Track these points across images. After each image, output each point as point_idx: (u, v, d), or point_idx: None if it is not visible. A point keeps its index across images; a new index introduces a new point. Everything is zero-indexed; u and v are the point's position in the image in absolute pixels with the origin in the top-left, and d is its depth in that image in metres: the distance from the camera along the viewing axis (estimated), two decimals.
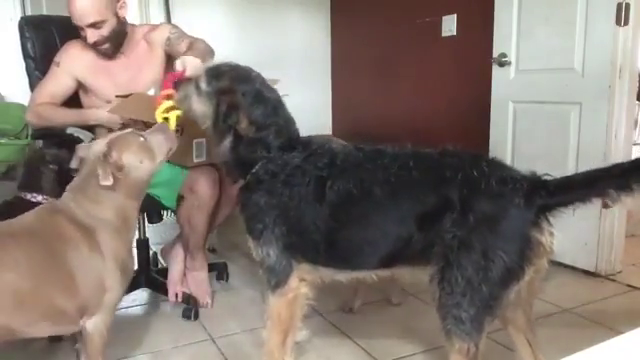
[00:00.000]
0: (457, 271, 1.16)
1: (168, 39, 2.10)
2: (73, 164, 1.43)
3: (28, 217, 1.33)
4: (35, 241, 1.26)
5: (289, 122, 1.41)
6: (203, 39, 2.09)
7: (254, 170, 1.36)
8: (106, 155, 1.32)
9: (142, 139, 1.40)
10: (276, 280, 1.39)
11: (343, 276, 1.49)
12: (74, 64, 2.04)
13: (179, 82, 1.48)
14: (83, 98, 2.12)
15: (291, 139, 1.38)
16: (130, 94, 1.85)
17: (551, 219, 1.19)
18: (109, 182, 1.29)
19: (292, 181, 1.32)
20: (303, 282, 1.40)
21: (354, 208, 1.28)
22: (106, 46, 2.02)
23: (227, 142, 1.36)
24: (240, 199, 1.44)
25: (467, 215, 1.16)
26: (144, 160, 1.38)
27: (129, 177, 1.36)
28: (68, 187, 1.39)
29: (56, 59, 2.05)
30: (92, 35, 1.96)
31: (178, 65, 1.67)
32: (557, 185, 1.17)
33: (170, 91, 1.56)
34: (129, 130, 1.46)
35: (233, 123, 1.34)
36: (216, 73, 1.38)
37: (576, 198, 1.15)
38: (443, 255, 1.19)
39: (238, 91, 1.35)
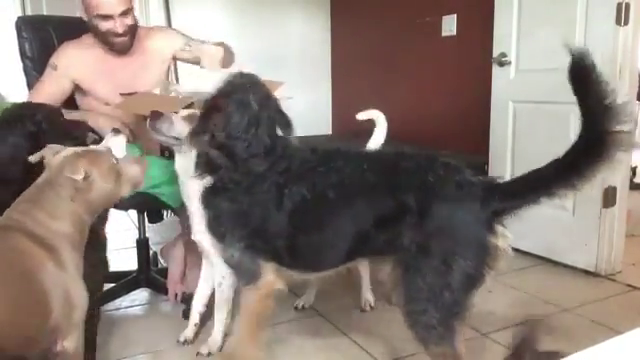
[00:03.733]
0: (419, 278, 1.17)
1: (187, 45, 2.16)
2: (33, 158, 1.37)
3: None
4: (1, 265, 1.12)
5: (259, 139, 1.37)
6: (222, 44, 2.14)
7: (218, 174, 1.38)
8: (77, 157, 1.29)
9: (114, 162, 1.38)
10: (247, 276, 1.41)
11: (311, 276, 1.53)
12: (72, 66, 2.03)
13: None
14: (79, 99, 2.11)
15: (258, 154, 1.36)
16: (135, 92, 1.88)
17: (505, 221, 1.20)
18: (80, 176, 1.25)
19: (253, 190, 1.34)
20: (278, 278, 1.41)
21: (309, 212, 1.30)
22: (127, 37, 2.04)
23: (205, 138, 1.37)
24: (204, 199, 1.47)
25: (425, 220, 1.17)
26: (109, 182, 1.35)
27: (90, 192, 1.31)
28: (19, 200, 1.28)
29: (52, 61, 2.03)
30: (121, 25, 1.98)
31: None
32: (508, 188, 1.19)
33: None
34: (104, 149, 1.47)
35: (210, 124, 1.34)
36: (228, 78, 1.41)
37: (527, 201, 1.17)
38: (403, 261, 1.20)
39: (227, 96, 1.36)
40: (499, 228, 1.17)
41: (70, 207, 1.29)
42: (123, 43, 2.03)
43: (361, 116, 1.86)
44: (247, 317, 1.43)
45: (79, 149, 1.36)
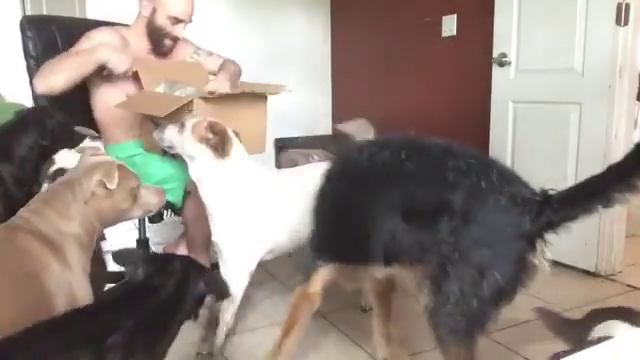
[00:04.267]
0: (454, 283, 1.14)
1: (195, 53, 2.24)
2: (78, 148, 1.45)
3: None
4: (6, 265, 1.14)
5: None
6: (232, 60, 2.23)
7: None
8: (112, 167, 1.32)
9: (136, 184, 1.40)
10: (303, 277, 1.45)
11: (377, 272, 1.43)
12: (104, 43, 1.99)
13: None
14: (95, 81, 2.03)
15: None
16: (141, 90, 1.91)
17: (550, 237, 1.18)
18: (113, 185, 1.29)
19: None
20: (322, 289, 1.44)
21: (344, 200, 1.34)
22: (176, 42, 2.12)
23: None
24: None
25: (468, 226, 1.13)
26: (126, 201, 1.37)
27: (104, 203, 1.33)
28: (33, 199, 1.31)
29: (88, 33, 2.01)
30: (183, 31, 2.09)
31: None
32: (561, 200, 1.14)
33: None
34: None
35: None
36: None
37: (581, 211, 1.12)
38: (439, 265, 1.17)
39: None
40: (541, 246, 1.16)
41: (82, 209, 1.30)
42: (170, 47, 2.11)
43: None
44: (286, 318, 1.47)
45: (115, 160, 1.38)
